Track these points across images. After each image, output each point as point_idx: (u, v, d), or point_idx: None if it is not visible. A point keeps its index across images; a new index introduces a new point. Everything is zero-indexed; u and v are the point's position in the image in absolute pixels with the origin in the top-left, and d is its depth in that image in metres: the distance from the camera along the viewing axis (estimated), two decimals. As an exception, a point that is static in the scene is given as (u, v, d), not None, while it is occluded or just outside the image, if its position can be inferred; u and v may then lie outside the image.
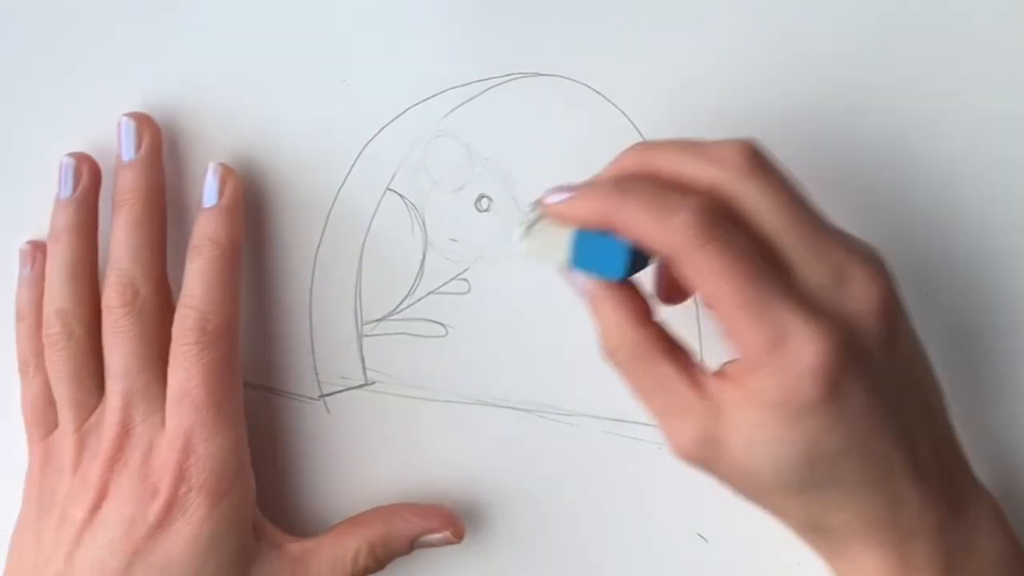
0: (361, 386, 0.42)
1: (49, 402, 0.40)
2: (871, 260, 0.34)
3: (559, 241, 0.35)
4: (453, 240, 0.41)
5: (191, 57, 0.40)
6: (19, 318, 0.41)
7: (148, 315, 0.39)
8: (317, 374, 0.42)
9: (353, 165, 0.40)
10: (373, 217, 0.41)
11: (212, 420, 0.38)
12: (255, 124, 0.40)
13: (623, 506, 0.43)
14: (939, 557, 0.35)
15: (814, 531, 0.36)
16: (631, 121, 0.40)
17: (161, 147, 0.40)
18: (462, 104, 0.40)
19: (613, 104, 0.40)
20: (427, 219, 0.41)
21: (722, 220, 0.33)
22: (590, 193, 0.35)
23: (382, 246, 0.41)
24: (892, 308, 0.34)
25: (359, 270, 0.41)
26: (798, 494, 0.35)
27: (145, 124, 0.40)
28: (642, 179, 0.35)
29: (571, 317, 0.41)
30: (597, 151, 0.41)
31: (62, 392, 0.39)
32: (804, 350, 0.33)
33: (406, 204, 0.41)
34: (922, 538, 0.35)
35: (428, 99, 0.40)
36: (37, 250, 0.41)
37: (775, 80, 0.40)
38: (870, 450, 0.34)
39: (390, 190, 0.41)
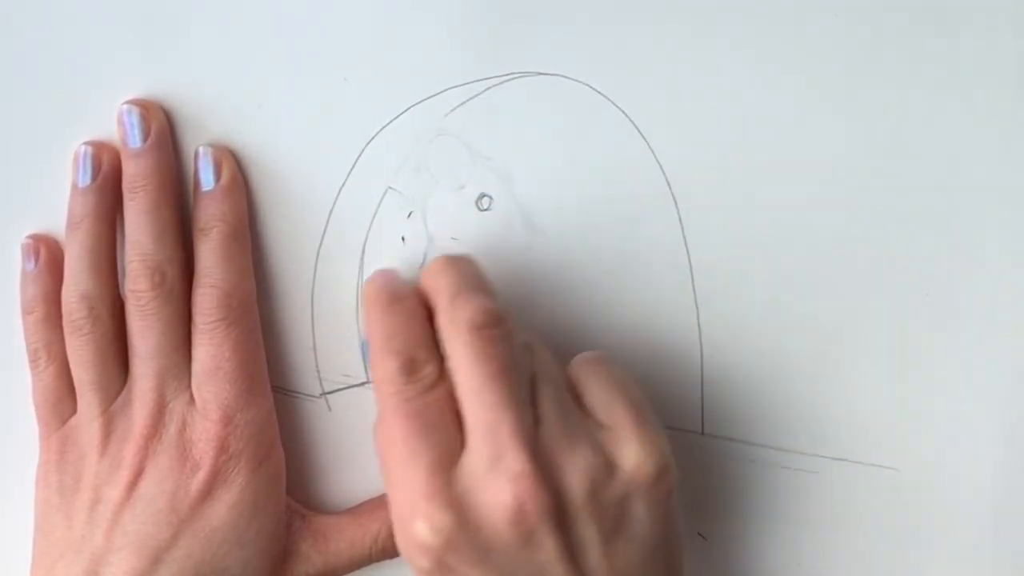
0: (363, 384, 0.42)
1: (64, 391, 0.41)
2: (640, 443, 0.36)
3: None
4: (454, 239, 0.41)
5: (191, 56, 0.40)
6: (27, 311, 0.41)
7: (175, 297, 0.39)
8: (319, 372, 0.42)
9: (355, 164, 0.41)
10: (375, 215, 0.41)
11: (246, 390, 0.40)
12: (256, 123, 0.40)
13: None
14: None
15: None
16: (631, 121, 0.40)
17: (169, 132, 0.40)
18: (463, 103, 0.40)
19: (613, 104, 0.40)
20: (428, 218, 0.41)
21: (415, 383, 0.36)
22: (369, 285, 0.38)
23: (384, 244, 0.41)
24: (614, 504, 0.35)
25: (361, 268, 0.42)
26: None
27: (152, 111, 0.40)
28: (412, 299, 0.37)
29: (571, 316, 0.42)
30: (597, 151, 0.41)
31: (86, 377, 0.40)
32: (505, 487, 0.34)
33: (407, 203, 0.41)
34: None
35: (429, 98, 0.40)
36: (40, 243, 0.41)
37: (775, 79, 0.40)
38: None
39: (391, 189, 0.41)
